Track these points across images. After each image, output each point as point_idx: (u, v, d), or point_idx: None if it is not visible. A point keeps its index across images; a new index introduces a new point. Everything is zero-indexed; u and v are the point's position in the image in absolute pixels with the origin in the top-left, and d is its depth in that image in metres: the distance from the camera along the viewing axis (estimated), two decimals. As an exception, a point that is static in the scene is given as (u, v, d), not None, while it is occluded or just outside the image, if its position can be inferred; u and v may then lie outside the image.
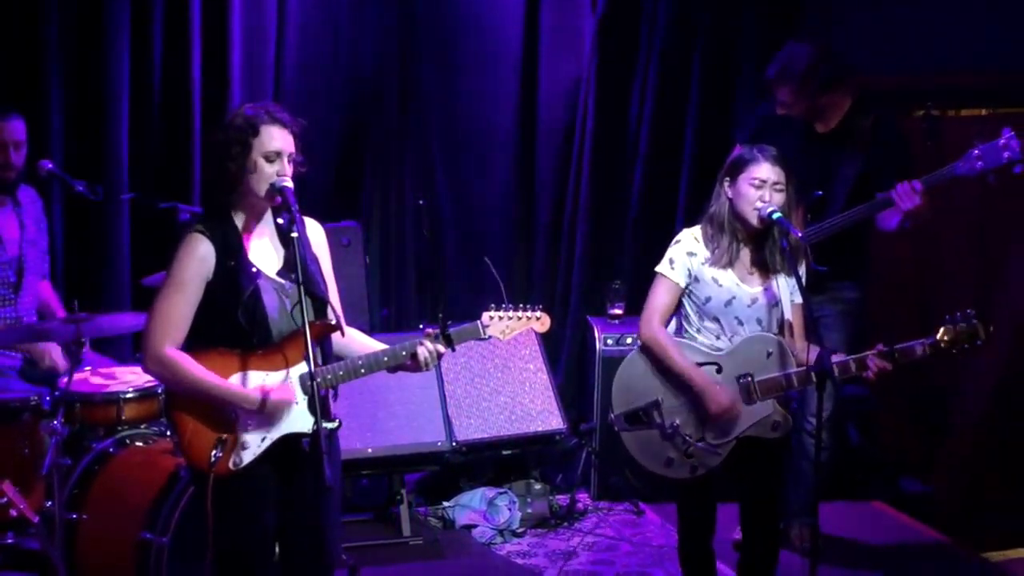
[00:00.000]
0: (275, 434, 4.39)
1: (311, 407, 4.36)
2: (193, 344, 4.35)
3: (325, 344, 4.53)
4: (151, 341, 4.32)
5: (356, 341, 4.66)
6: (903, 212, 5.85)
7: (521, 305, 4.73)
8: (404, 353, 4.52)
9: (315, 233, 4.62)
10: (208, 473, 4.34)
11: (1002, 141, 5.72)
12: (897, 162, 6.10)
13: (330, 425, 4.43)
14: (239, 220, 4.45)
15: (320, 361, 4.45)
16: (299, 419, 4.41)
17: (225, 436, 4.36)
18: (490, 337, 4.67)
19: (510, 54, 7.82)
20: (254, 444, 4.38)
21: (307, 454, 4.37)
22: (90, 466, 5.62)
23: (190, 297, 4.34)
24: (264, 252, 4.46)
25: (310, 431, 4.37)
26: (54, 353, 6.01)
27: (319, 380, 4.37)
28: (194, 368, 4.30)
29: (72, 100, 6.89)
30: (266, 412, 4.35)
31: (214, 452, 4.34)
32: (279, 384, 4.39)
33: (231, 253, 4.38)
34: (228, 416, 4.36)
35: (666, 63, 7.83)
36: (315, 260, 4.52)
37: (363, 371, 4.51)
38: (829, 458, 6.61)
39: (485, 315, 4.65)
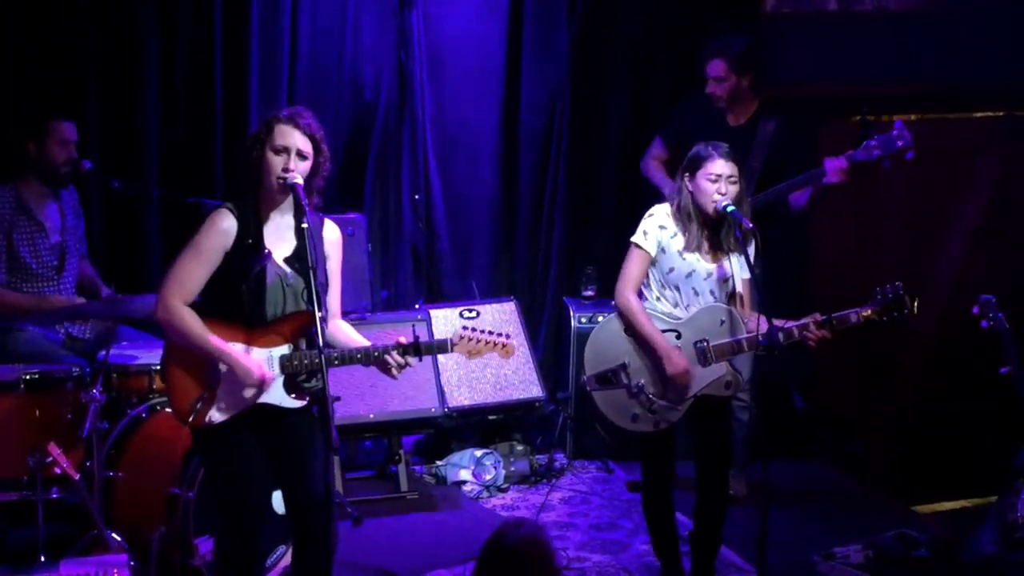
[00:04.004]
0: (249, 401, 4.44)
1: (287, 384, 4.44)
2: (197, 309, 4.41)
3: (312, 331, 4.48)
4: (163, 292, 4.40)
5: (342, 332, 4.68)
6: (827, 185, 6.16)
7: (492, 332, 4.67)
8: (375, 355, 4.52)
9: (331, 232, 4.66)
10: (186, 423, 4.43)
11: (895, 132, 6.04)
12: (796, 158, 6.34)
13: (295, 404, 4.48)
14: (262, 207, 4.49)
15: (304, 346, 4.49)
16: (273, 393, 4.46)
17: (206, 393, 4.41)
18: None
19: (495, 66, 7.82)
20: (229, 406, 4.43)
21: (283, 421, 4.48)
22: (125, 430, 5.66)
23: (205, 263, 4.40)
24: (278, 240, 4.48)
25: (280, 405, 4.46)
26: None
27: (296, 363, 4.44)
28: (196, 322, 4.37)
29: (108, 109, 6.89)
30: (248, 382, 4.40)
31: (195, 405, 4.39)
32: (263, 363, 4.44)
33: (249, 233, 4.43)
34: (212, 376, 4.41)
35: (634, 74, 7.87)
36: (323, 257, 4.54)
37: (336, 362, 4.51)
38: (758, 416, 6.71)
39: (456, 334, 4.61)
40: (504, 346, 4.67)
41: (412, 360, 4.54)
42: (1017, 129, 7.49)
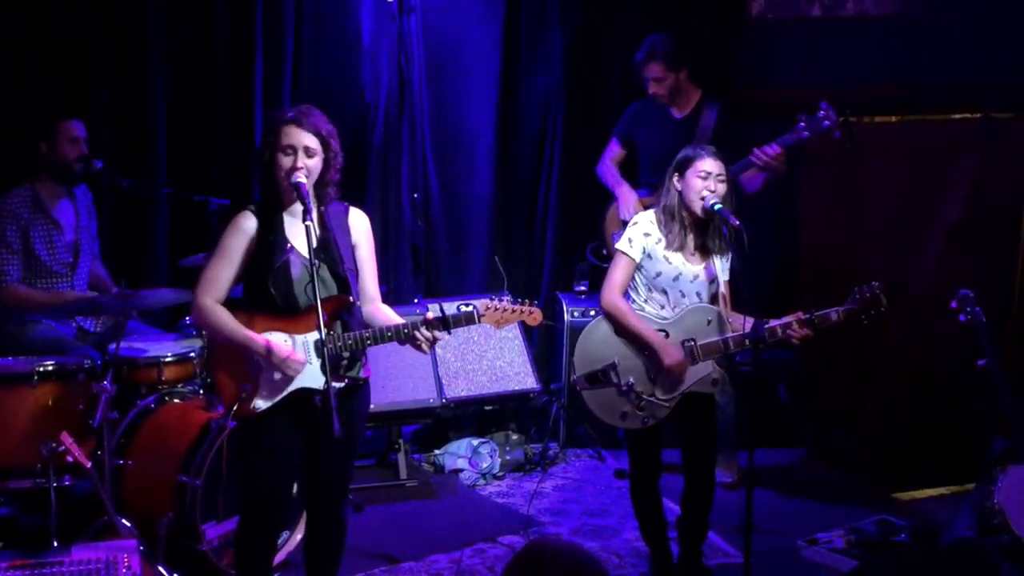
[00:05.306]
0: (290, 387, 4.48)
1: (323, 368, 4.43)
2: (238, 306, 4.48)
3: (346, 314, 4.55)
4: (195, 293, 4.50)
5: (382, 313, 4.70)
6: (764, 170, 6.39)
7: (518, 299, 4.67)
8: (406, 332, 4.52)
9: (359, 221, 4.71)
10: (232, 413, 4.48)
11: (822, 113, 6.21)
12: (739, 140, 6.39)
13: (337, 384, 4.46)
14: (284, 204, 4.55)
15: (339, 329, 4.51)
16: (311, 377, 4.48)
17: (249, 384, 4.45)
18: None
19: (492, 68, 7.82)
20: (272, 392, 4.47)
21: (319, 408, 4.43)
22: (135, 419, 5.68)
23: (230, 262, 4.48)
24: (300, 232, 4.48)
25: (320, 388, 4.44)
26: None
27: (331, 345, 4.45)
28: (224, 316, 4.44)
29: (118, 111, 6.91)
30: (277, 366, 4.43)
31: (240, 396, 4.44)
32: (293, 347, 4.47)
33: (271, 229, 4.50)
34: (253, 368, 4.45)
35: (627, 75, 7.87)
36: (349, 245, 4.59)
37: (369, 341, 4.52)
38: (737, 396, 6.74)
39: (482, 304, 4.60)
40: (531, 313, 4.68)
41: (441, 334, 4.54)
42: (995, 130, 7.52)
